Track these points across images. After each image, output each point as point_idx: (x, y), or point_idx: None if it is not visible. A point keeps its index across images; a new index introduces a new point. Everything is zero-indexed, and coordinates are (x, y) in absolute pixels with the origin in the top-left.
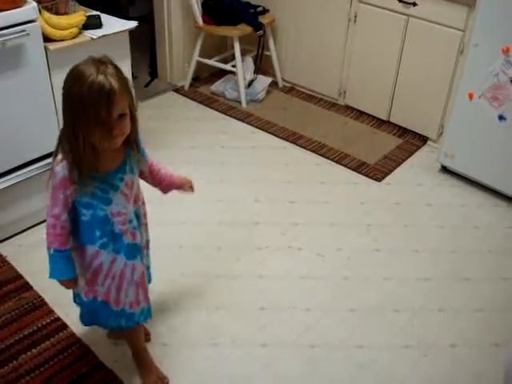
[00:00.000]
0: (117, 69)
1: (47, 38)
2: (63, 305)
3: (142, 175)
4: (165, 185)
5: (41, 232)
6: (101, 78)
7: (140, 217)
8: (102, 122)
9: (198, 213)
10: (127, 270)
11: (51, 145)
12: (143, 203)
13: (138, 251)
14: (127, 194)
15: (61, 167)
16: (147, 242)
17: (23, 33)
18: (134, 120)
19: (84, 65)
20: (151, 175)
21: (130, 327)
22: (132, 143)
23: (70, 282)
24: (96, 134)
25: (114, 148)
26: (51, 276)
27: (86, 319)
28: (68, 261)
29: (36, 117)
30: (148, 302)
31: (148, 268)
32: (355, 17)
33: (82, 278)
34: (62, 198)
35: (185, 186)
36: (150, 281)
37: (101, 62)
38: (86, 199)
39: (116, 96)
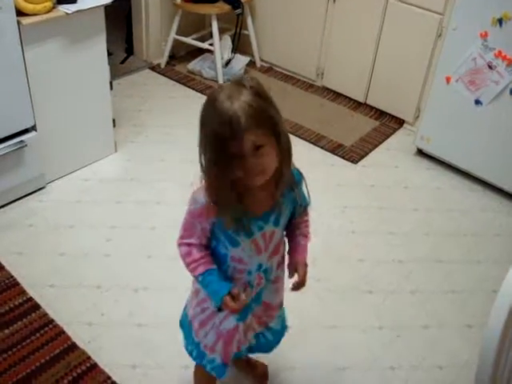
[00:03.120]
0: (256, 95)
1: (20, 12)
2: (36, 285)
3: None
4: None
5: (13, 212)
6: (227, 105)
7: (269, 273)
8: (230, 157)
9: (171, 194)
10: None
11: (22, 123)
12: (281, 263)
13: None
14: (260, 245)
15: (202, 194)
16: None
17: None
18: (284, 154)
19: (221, 88)
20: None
21: None
22: (282, 186)
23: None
24: (228, 170)
25: (257, 188)
26: (217, 303)
27: None
28: (221, 278)
29: (7, 93)
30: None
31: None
32: None
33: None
34: (199, 227)
35: (298, 281)
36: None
37: (238, 85)
38: (216, 230)
39: (241, 127)
